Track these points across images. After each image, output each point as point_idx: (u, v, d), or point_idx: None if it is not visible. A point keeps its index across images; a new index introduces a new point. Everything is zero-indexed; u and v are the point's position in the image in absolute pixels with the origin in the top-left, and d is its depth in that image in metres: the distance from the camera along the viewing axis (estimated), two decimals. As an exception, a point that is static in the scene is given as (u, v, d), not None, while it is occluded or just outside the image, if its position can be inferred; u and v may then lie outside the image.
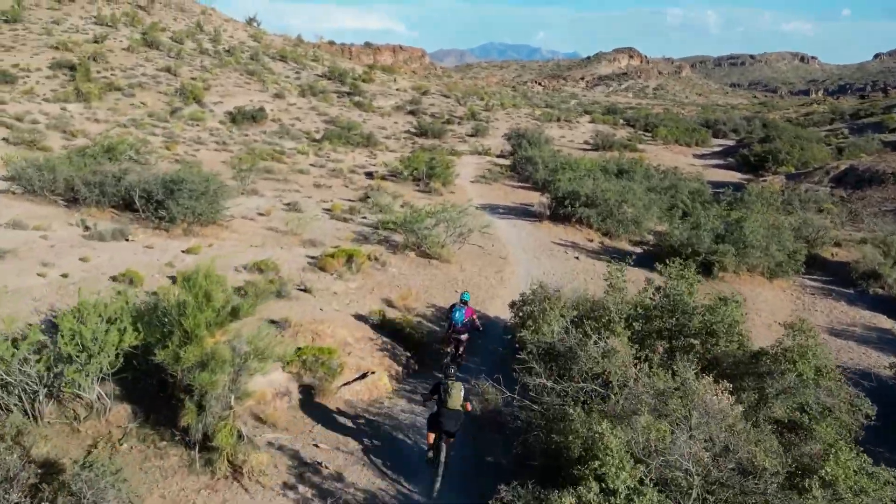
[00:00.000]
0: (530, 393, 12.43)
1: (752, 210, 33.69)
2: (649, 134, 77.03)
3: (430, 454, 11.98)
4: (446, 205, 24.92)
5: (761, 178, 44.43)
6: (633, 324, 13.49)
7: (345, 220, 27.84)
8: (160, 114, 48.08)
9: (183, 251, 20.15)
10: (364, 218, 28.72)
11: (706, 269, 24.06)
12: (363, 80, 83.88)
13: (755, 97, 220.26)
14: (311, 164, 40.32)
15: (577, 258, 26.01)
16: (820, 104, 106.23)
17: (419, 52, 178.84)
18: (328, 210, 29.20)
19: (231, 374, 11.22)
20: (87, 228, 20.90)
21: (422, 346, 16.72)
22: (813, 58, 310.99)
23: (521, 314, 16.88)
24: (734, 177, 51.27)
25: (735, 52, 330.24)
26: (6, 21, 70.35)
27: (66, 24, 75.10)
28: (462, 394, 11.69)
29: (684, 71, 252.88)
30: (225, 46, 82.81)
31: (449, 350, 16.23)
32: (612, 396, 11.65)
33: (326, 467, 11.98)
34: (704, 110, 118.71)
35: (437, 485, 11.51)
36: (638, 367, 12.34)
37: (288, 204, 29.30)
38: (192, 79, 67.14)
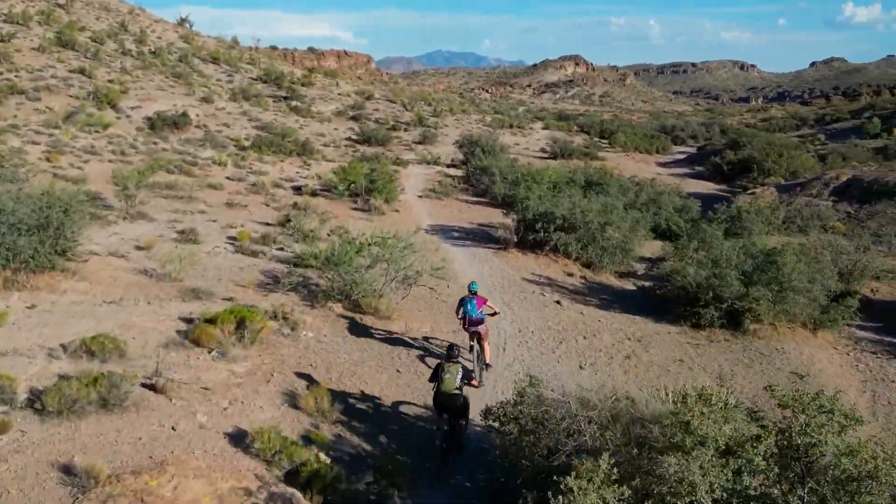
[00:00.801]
0: None
1: (754, 230, 27.67)
2: (606, 141, 71.36)
3: (441, 428, 11.29)
4: (387, 235, 18.03)
5: (749, 191, 38.48)
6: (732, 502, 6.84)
7: (253, 253, 20.73)
8: (51, 119, 40.22)
9: (-28, 323, 12.92)
10: (280, 250, 21.69)
11: (732, 320, 17.66)
12: (302, 84, 76.47)
13: (698, 104, 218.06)
14: (228, 178, 33.03)
15: (558, 303, 19.34)
16: (775, 109, 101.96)
17: (365, 58, 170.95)
18: (233, 239, 22.05)
19: None
20: None
21: (342, 494, 9.78)
22: (752, 66, 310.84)
23: (504, 430, 10.18)
24: (709, 187, 45.48)
25: (677, 60, 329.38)
26: None
27: (-31, 21, 66.36)
28: (458, 377, 11.08)
29: (629, 78, 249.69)
30: (151, 48, 74.65)
31: (473, 345, 14.34)
32: None
33: None
34: (657, 117, 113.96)
35: (443, 460, 10.99)
36: None
37: (181, 232, 22.05)
38: (110, 81, 59.10)
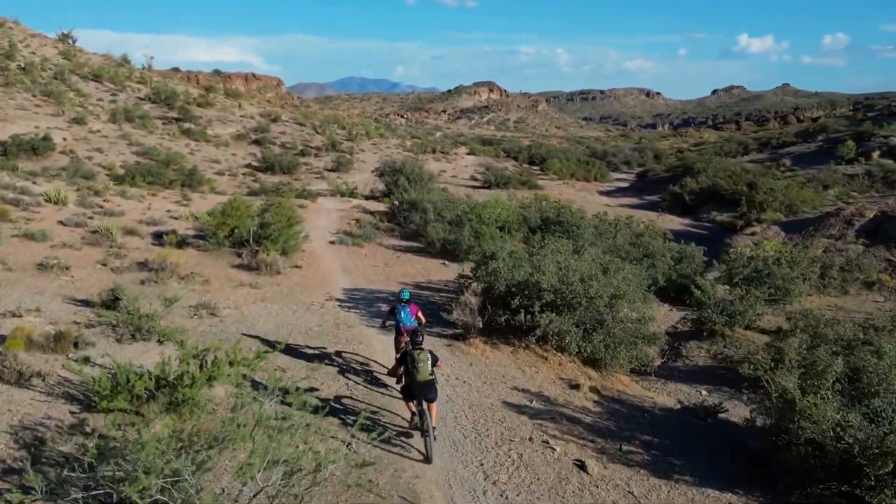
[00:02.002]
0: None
1: (793, 291, 19.50)
2: (537, 167, 63.62)
3: (416, 420, 10.74)
4: (255, 355, 8.74)
5: (748, 231, 30.57)
6: None
7: (20, 378, 10.98)
8: None
9: None
10: (88, 361, 12.06)
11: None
12: (199, 105, 66.09)
13: (608, 130, 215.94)
14: (62, 222, 22.96)
15: (580, 467, 10.38)
16: (707, 133, 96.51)
17: (275, 81, 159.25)
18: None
19: None
20: None
21: None
22: (657, 93, 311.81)
23: None
24: (674, 222, 37.72)
25: (586, 87, 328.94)
26: None
27: None
28: (429, 363, 10.59)
29: (541, 105, 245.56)
30: (20, 63, 62.98)
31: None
32: None
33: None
34: (579, 142, 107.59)
35: (431, 449, 10.19)
36: None
37: None
38: (-47, 98, 47.83)
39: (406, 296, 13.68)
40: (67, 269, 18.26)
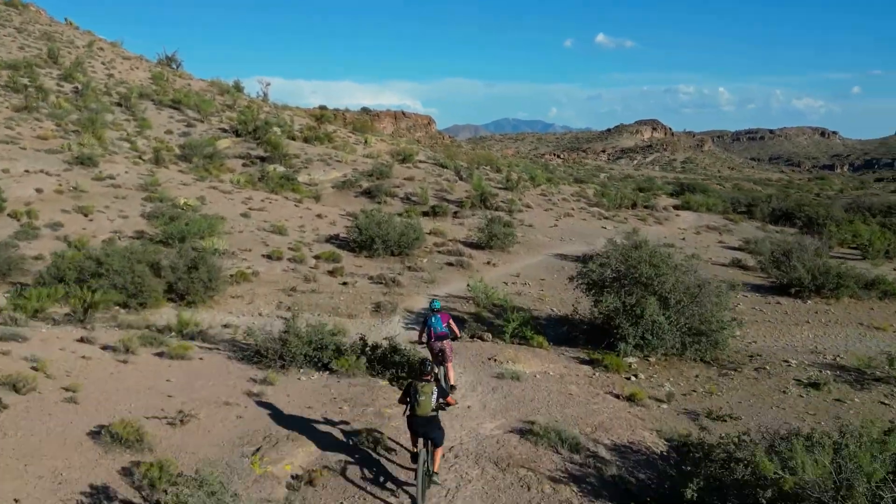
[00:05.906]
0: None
1: None
2: (792, 230, 36.96)
3: (415, 451, 8.92)
4: None
5: None
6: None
7: None
8: None
9: None
10: None
11: None
12: (306, 140, 45.04)
13: (783, 171, 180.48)
14: None
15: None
16: None
17: (425, 120, 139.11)
18: None
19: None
20: None
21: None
22: (833, 133, 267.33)
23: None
24: None
25: (751, 126, 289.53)
26: None
27: None
28: (434, 397, 8.74)
29: (707, 145, 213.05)
30: (77, 86, 44.46)
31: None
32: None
33: None
34: (801, 188, 78.86)
35: (421, 492, 8.54)
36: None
37: None
38: None
39: (437, 305, 12.64)
40: None
